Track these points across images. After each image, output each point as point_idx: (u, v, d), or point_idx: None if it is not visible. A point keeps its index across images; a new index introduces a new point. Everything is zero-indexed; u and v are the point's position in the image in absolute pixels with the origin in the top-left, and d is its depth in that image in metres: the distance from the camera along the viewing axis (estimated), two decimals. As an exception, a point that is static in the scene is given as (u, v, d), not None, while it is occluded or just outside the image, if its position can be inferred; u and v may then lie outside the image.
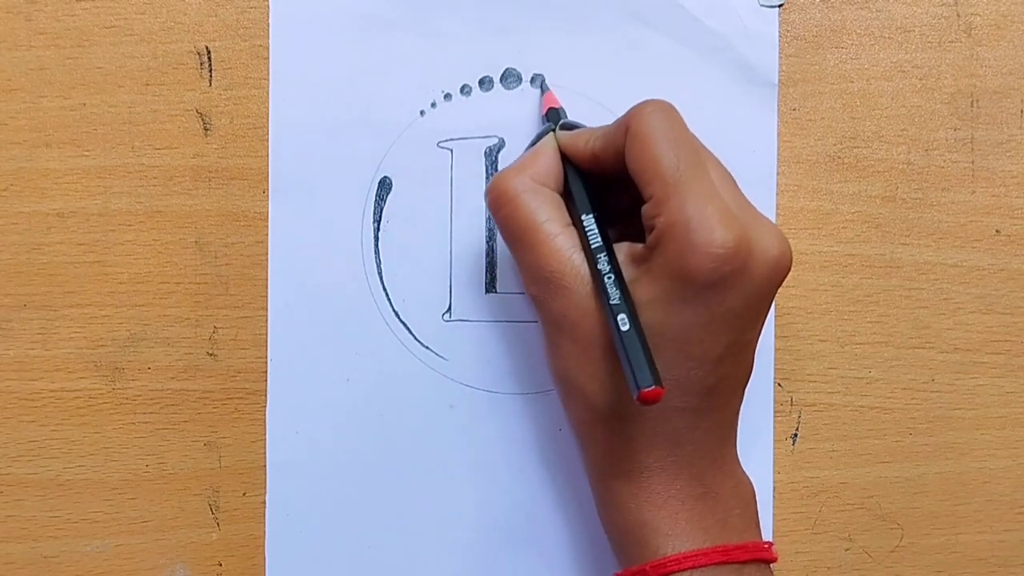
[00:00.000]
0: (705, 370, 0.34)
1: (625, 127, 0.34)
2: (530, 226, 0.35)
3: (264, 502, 0.42)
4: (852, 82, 0.42)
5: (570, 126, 0.38)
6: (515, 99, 0.42)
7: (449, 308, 0.42)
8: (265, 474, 0.42)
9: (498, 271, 0.42)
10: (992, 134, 0.42)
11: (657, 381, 0.31)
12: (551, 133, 0.38)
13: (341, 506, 0.42)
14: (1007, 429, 0.43)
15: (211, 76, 0.42)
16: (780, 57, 0.42)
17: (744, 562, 0.34)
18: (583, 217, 0.35)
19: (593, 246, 0.34)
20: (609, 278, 0.33)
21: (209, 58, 0.42)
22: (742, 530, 0.36)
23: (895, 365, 0.42)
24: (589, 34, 0.42)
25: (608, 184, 0.37)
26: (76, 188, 0.42)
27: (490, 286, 0.42)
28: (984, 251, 0.42)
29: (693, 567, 0.34)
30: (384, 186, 0.42)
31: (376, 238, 0.42)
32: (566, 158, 0.37)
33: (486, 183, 0.42)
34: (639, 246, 0.34)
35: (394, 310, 0.42)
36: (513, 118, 0.42)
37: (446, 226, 0.42)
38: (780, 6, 0.42)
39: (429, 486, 0.42)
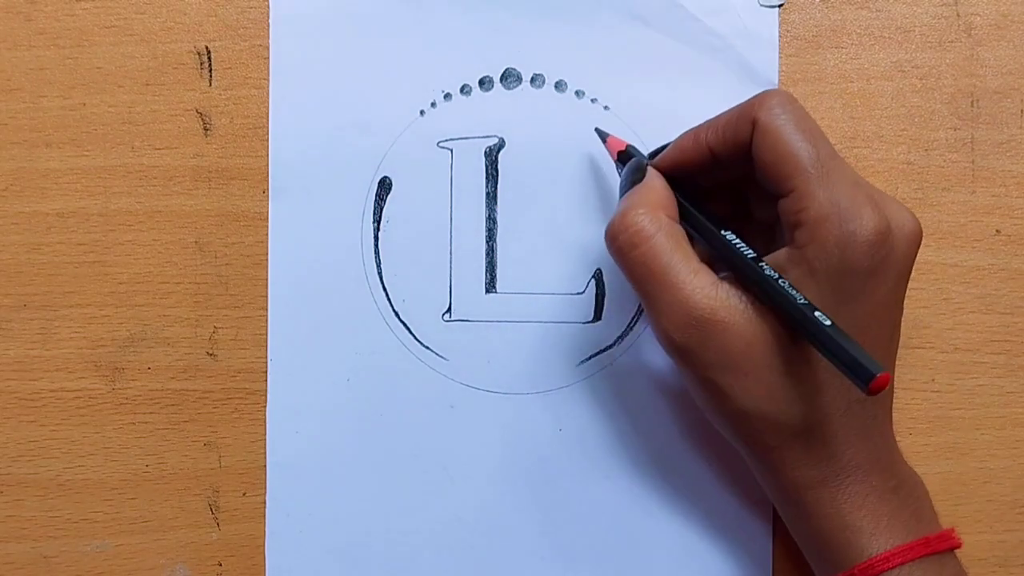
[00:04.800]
0: (878, 357, 0.33)
1: (750, 120, 0.34)
2: (670, 266, 0.34)
3: (264, 502, 0.42)
4: (852, 82, 0.42)
5: (657, 153, 0.38)
6: (515, 99, 0.42)
7: (449, 308, 0.42)
8: (265, 474, 0.42)
9: (498, 271, 0.42)
10: (992, 134, 0.42)
11: (881, 365, 0.30)
12: (647, 166, 0.37)
13: (341, 506, 0.42)
14: (1007, 429, 0.43)
15: (211, 76, 0.42)
16: (780, 57, 0.42)
17: (943, 552, 0.34)
18: (724, 233, 0.35)
19: (749, 256, 0.34)
20: (783, 282, 0.32)
21: (209, 58, 0.42)
22: (931, 519, 0.36)
23: (895, 365, 0.42)
24: (589, 34, 0.42)
25: (704, 196, 0.37)
26: (76, 188, 0.42)
27: (490, 286, 0.42)
28: (984, 251, 0.42)
29: (901, 563, 0.33)
30: (384, 186, 0.42)
31: (376, 238, 0.42)
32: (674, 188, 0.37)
33: (486, 183, 0.42)
34: (781, 251, 0.34)
35: (394, 310, 0.42)
36: (513, 118, 0.42)
37: (446, 226, 0.42)
38: (780, 6, 0.42)
39: (429, 486, 0.42)
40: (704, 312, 0.33)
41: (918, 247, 0.34)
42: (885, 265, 0.33)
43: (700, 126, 0.36)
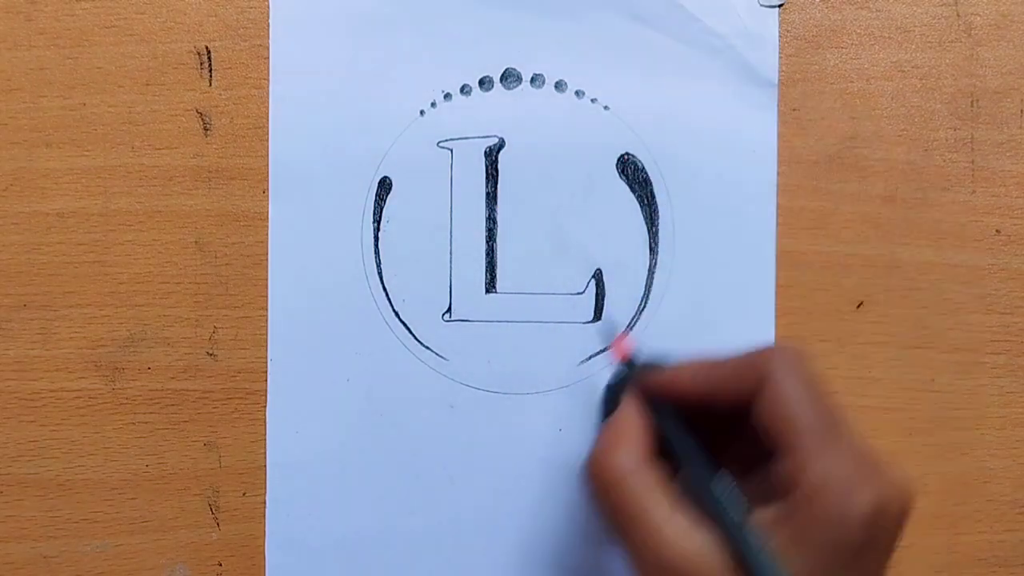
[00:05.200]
0: None
1: (757, 377, 0.33)
2: (640, 512, 0.32)
3: (264, 502, 0.42)
4: (852, 82, 0.42)
5: (650, 366, 0.37)
6: (515, 99, 0.42)
7: (449, 308, 0.42)
8: (265, 474, 0.42)
9: (498, 271, 0.42)
10: (992, 134, 0.42)
11: None
12: (630, 392, 0.36)
13: (341, 506, 0.42)
14: (1007, 429, 0.43)
15: (211, 76, 0.42)
16: (780, 57, 0.42)
17: None
18: (713, 486, 0.33)
19: (735, 518, 0.32)
20: (764, 552, 0.31)
21: (209, 58, 0.42)
22: None
23: (895, 365, 0.42)
24: (589, 34, 0.42)
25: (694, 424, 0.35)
26: (76, 188, 0.42)
27: (490, 286, 0.42)
28: (984, 251, 0.42)
29: None
30: (384, 186, 0.42)
31: (376, 238, 0.42)
32: (662, 412, 0.35)
33: (486, 183, 0.42)
34: (771, 509, 0.32)
35: (394, 310, 0.42)
36: (513, 118, 0.42)
37: (446, 226, 0.42)
38: (780, 6, 0.42)
39: (429, 486, 0.42)
40: (677, 559, 0.32)
41: (908, 516, 0.33)
42: (878, 540, 0.32)
43: (700, 367, 0.35)
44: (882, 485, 0.32)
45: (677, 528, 0.32)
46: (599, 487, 0.34)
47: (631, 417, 0.35)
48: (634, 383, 0.36)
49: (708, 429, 0.35)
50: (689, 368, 0.35)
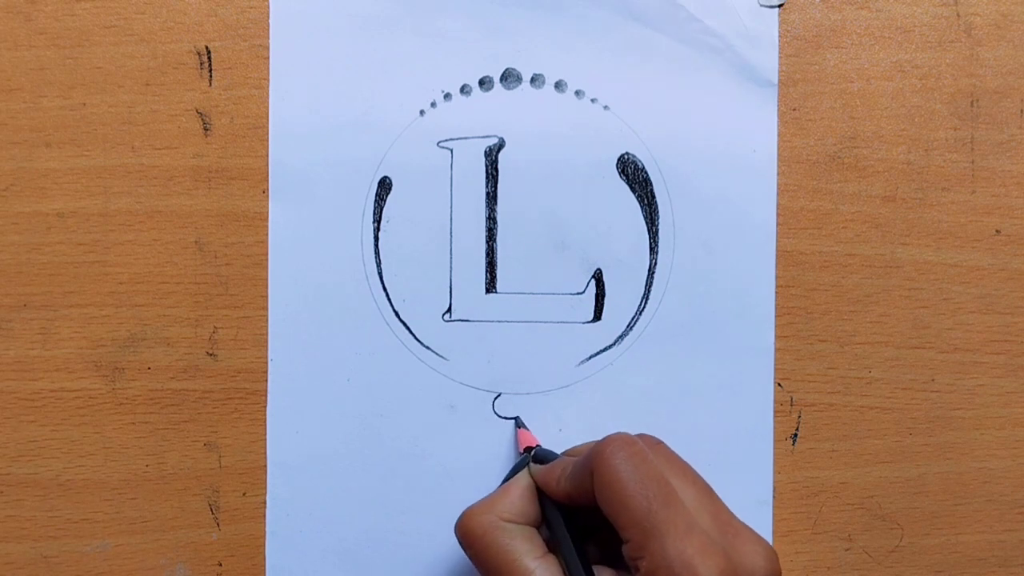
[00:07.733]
0: None
1: (590, 471, 0.34)
2: (503, 564, 0.35)
3: (264, 502, 0.42)
4: (852, 82, 0.42)
5: (543, 458, 0.38)
6: (515, 99, 0.42)
7: (449, 308, 0.42)
8: (265, 474, 0.42)
9: (498, 271, 0.42)
10: (992, 134, 0.42)
11: None
12: (526, 469, 0.38)
13: (341, 506, 0.42)
14: (1007, 429, 0.43)
15: (211, 76, 0.42)
16: (780, 57, 0.42)
17: None
18: (565, 557, 0.35)
19: None
20: None
21: (209, 58, 0.42)
22: None
23: (895, 365, 0.42)
24: (589, 34, 0.42)
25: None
26: (76, 188, 0.42)
27: (490, 286, 0.42)
28: (984, 251, 0.42)
29: None
30: (384, 186, 0.42)
31: (376, 238, 0.42)
32: (542, 497, 0.37)
33: (486, 183, 0.42)
34: None
35: (394, 310, 0.42)
36: (513, 118, 0.42)
37: (446, 226, 0.42)
38: (780, 6, 0.42)
39: (429, 486, 0.42)
40: None
41: None
42: None
43: (564, 468, 0.36)
44: (729, 555, 0.32)
45: (548, 569, 0.34)
46: (462, 540, 0.36)
47: (513, 487, 0.37)
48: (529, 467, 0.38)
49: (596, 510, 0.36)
50: (558, 467, 0.37)
